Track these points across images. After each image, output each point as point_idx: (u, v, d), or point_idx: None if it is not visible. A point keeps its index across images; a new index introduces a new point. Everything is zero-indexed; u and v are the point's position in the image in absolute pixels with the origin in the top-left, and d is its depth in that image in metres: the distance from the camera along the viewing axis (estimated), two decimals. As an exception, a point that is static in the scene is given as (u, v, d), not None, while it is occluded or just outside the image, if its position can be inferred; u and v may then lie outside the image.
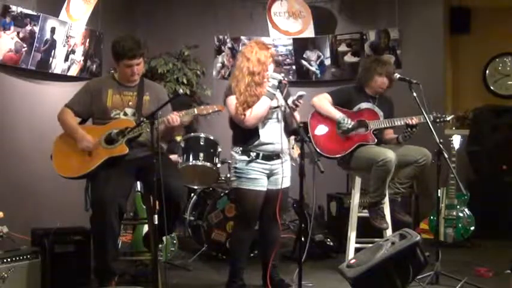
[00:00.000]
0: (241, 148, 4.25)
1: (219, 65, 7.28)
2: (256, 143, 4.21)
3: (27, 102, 5.62)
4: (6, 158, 5.33)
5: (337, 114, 4.87)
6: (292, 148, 5.05)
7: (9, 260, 4.00)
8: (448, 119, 4.91)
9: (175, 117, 4.09)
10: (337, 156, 4.91)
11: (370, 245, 4.21)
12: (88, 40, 6.14)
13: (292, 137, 4.88)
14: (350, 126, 4.82)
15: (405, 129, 4.83)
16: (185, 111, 4.22)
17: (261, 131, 4.22)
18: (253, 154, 4.21)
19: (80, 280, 4.45)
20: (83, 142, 4.13)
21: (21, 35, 5.28)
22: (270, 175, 4.28)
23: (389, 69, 4.93)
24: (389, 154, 4.62)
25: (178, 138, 5.57)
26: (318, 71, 7.12)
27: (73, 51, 5.94)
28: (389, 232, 4.76)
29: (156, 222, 3.75)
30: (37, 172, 5.44)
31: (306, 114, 4.90)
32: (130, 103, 4.26)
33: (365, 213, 4.93)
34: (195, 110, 4.17)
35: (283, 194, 4.29)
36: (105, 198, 3.95)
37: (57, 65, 5.78)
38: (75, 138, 4.16)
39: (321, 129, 4.94)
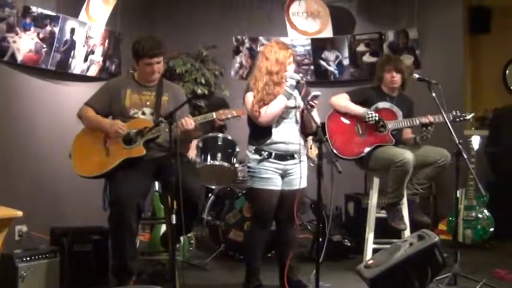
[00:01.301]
0: (254, 147, 4.26)
1: (237, 65, 7.26)
2: (268, 141, 4.21)
3: (46, 102, 5.66)
4: (26, 157, 5.37)
5: (360, 109, 4.87)
6: (310, 148, 5.03)
7: (28, 258, 4.03)
8: (468, 117, 4.87)
9: (190, 121, 4.09)
10: (354, 158, 4.90)
11: (388, 245, 4.20)
12: (107, 41, 6.16)
13: (310, 137, 4.86)
14: (377, 118, 4.81)
15: (421, 129, 4.81)
16: (202, 115, 4.25)
17: (274, 130, 4.22)
18: (265, 153, 4.20)
19: (98, 279, 4.48)
20: (114, 128, 4.13)
21: (41, 35, 5.31)
22: (284, 175, 4.26)
23: (398, 64, 4.95)
24: (408, 155, 4.60)
25: None
26: (336, 71, 7.07)
27: (92, 52, 5.97)
28: (407, 233, 4.75)
29: (174, 222, 3.74)
30: (56, 171, 5.47)
31: (324, 114, 4.88)
32: (148, 103, 4.28)
33: (383, 214, 4.92)
34: (214, 114, 4.18)
35: (299, 194, 4.27)
36: (123, 197, 3.97)
37: (77, 66, 5.81)
38: (104, 128, 4.18)
39: (339, 130, 4.93)
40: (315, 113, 4.22)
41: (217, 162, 5.37)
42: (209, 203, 5.68)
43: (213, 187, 5.72)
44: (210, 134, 5.58)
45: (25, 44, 5.19)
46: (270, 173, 4.21)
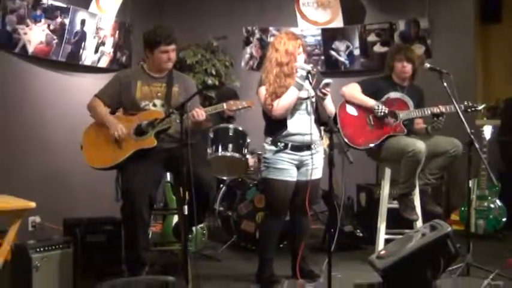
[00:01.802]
0: (270, 138, 4.25)
1: (247, 56, 7.26)
2: (284, 133, 4.20)
3: (57, 94, 5.69)
4: (38, 149, 5.39)
5: (370, 101, 4.86)
6: (322, 139, 5.01)
7: (41, 249, 4.03)
8: (479, 108, 4.84)
9: (201, 112, 4.10)
10: (366, 148, 4.88)
11: (400, 236, 4.20)
12: (118, 32, 6.17)
13: (322, 128, 4.84)
14: (385, 113, 4.80)
15: (432, 119, 4.78)
16: (213, 106, 4.26)
17: (289, 122, 4.20)
18: (281, 144, 4.20)
19: (111, 269, 4.46)
20: (115, 129, 4.14)
21: (51, 27, 5.34)
22: (299, 166, 4.26)
23: (409, 54, 4.91)
24: (419, 145, 4.58)
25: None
26: (347, 62, 7.05)
27: (103, 43, 5.98)
28: (419, 223, 4.73)
29: (186, 213, 3.75)
30: (68, 163, 5.50)
31: (335, 104, 4.84)
32: (159, 94, 4.29)
33: (395, 204, 4.90)
34: (224, 105, 4.18)
35: (313, 186, 4.26)
36: (135, 188, 3.99)
37: (88, 57, 5.83)
38: (108, 126, 4.19)
39: (350, 121, 4.92)
40: (329, 101, 4.21)
41: (228, 153, 5.37)
42: (221, 194, 5.68)
43: (225, 178, 5.72)
44: (221, 125, 5.56)
45: (36, 35, 5.21)
46: (286, 164, 4.20)
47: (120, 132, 4.13)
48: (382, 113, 4.80)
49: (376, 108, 4.81)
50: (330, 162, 3.68)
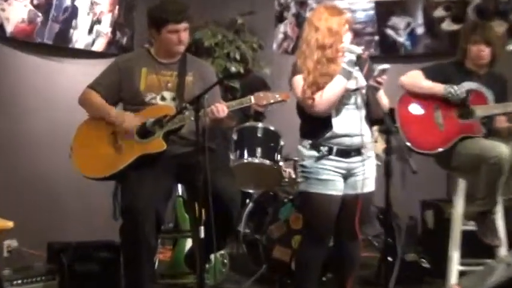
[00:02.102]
0: (310, 141, 4.18)
1: (280, 36, 7.27)
2: (329, 135, 4.12)
3: (43, 84, 5.74)
4: (18, 153, 5.43)
5: (439, 86, 4.83)
6: (375, 141, 4.96)
7: (19, 281, 4.08)
8: None
9: (222, 107, 4.09)
10: (433, 152, 4.83)
11: (479, 267, 4.16)
12: (117, 7, 6.22)
13: (375, 127, 4.78)
14: (463, 95, 4.77)
15: None
16: (237, 100, 4.27)
17: (334, 120, 4.13)
18: (324, 149, 4.13)
19: (106, 306, 4.51)
20: (124, 121, 4.17)
21: (35, 1, 5.38)
22: (347, 176, 4.19)
23: (488, 33, 4.89)
24: (503, 149, 4.53)
25: None
26: (407, 43, 7.03)
27: (99, 21, 6.02)
28: (503, 251, 4.69)
29: (203, 236, 3.71)
30: (54, 170, 5.54)
31: (392, 98, 4.77)
32: (169, 85, 4.30)
33: (472, 226, 4.84)
34: (252, 98, 4.17)
35: (365, 201, 4.20)
36: (139, 204, 3.98)
37: (80, 38, 5.87)
38: (111, 120, 4.21)
39: (413, 119, 4.91)
40: (381, 92, 4.14)
41: (256, 160, 5.37)
42: (247, 212, 5.66)
43: (252, 191, 5.70)
44: (247, 124, 5.55)
45: (16, 12, 5.26)
46: (330, 173, 4.13)
47: (131, 122, 4.15)
48: (457, 98, 4.76)
49: (451, 92, 4.76)
50: (386, 171, 3.64)
